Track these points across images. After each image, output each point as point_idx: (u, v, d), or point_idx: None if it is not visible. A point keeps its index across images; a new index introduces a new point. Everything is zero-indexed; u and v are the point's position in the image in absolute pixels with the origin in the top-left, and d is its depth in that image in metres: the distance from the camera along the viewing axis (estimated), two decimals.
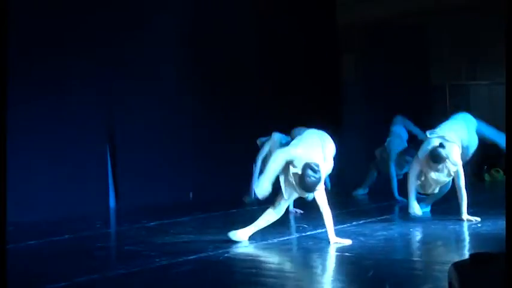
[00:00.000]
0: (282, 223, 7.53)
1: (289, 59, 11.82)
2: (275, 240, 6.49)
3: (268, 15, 11.67)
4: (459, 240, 6.40)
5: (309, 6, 12.47)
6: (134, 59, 9.72)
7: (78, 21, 9.07)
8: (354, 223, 7.36)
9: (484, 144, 12.03)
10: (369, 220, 7.53)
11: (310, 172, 6.00)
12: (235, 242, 6.33)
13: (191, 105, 10.36)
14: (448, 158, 7.38)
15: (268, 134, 11.09)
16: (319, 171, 6.03)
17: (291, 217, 8.04)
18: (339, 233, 6.75)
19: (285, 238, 6.63)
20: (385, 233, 6.89)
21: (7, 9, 4.20)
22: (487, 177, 12.50)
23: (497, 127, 13.85)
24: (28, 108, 8.41)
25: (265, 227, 7.20)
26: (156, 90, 9.91)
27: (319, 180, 6.07)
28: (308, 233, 6.87)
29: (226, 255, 5.83)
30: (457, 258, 3.51)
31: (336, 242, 6.23)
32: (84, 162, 9.10)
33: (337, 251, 6.04)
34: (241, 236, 6.50)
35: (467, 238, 6.59)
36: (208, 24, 10.65)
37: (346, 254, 5.93)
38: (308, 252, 5.93)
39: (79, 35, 9.07)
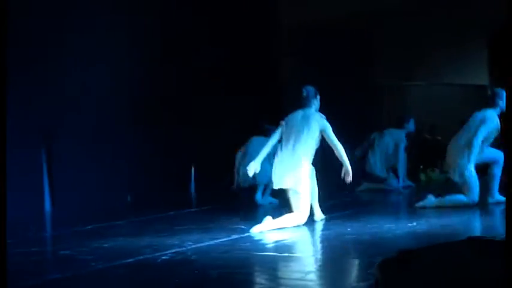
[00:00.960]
0: (220, 225, 7.56)
1: (230, 61, 11.81)
2: (213, 242, 6.48)
3: (209, 18, 11.65)
4: (393, 239, 6.47)
5: (251, 8, 12.48)
6: (70, 61, 9.60)
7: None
8: None
9: (420, 144, 12.29)
10: (307, 220, 7.55)
11: None
12: (173, 246, 6.30)
13: (127, 106, 10.28)
14: None
15: (204, 135, 11.12)
16: None
17: (229, 219, 8.03)
18: (276, 234, 6.81)
19: (223, 240, 6.61)
20: (321, 232, 6.97)
21: (7, 9, 4.16)
22: (422, 176, 12.71)
23: (433, 126, 14.14)
24: None
25: (202, 229, 7.23)
26: (91, 92, 9.80)
27: None
28: (246, 234, 6.87)
29: (163, 258, 5.79)
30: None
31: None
32: (18, 166, 8.92)
33: (274, 252, 6.07)
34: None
35: (401, 237, 6.66)
36: (147, 25, 10.58)
37: (285, 254, 5.96)
38: (246, 254, 5.93)
39: (13, 37, 8.91)
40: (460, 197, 8.43)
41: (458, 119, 13.85)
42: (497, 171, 8.52)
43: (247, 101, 11.72)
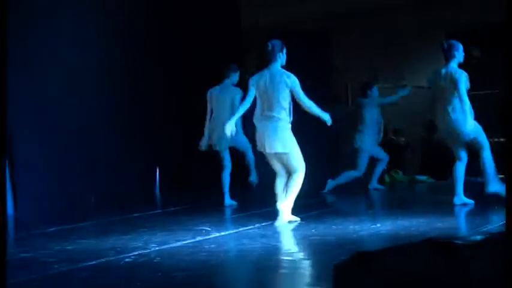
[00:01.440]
0: (185, 227, 7.52)
1: (193, 58, 11.76)
2: (178, 244, 6.44)
3: (173, 16, 11.61)
4: (357, 240, 6.49)
5: (213, 8, 12.46)
6: (33, 57, 9.48)
7: None
8: (256, 225, 7.39)
9: (383, 146, 12.33)
10: (271, 222, 7.56)
11: None
12: (136, 248, 6.24)
13: (90, 107, 10.17)
14: None
15: (169, 136, 11.03)
16: None
17: (194, 220, 8.00)
18: (241, 236, 6.80)
19: (188, 242, 6.57)
20: (286, 234, 6.97)
21: (7, 10, 4.14)
22: (386, 178, 12.78)
23: (396, 128, 14.20)
24: None
25: (167, 230, 7.19)
26: (52, 95, 9.67)
27: None
28: (211, 236, 6.85)
29: (127, 260, 5.74)
30: None
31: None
32: None
33: (238, 253, 6.05)
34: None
35: (365, 238, 6.68)
36: (111, 28, 10.49)
37: (249, 256, 5.94)
38: (211, 256, 5.90)
39: None
40: None
41: (421, 120, 14.03)
42: (463, 171, 8.62)
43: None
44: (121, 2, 10.65)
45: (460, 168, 8.63)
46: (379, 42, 15.77)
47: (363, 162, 11.07)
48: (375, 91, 11.32)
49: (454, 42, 8.68)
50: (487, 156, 8.48)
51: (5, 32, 4.21)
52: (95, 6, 10.30)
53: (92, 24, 10.25)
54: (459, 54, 8.58)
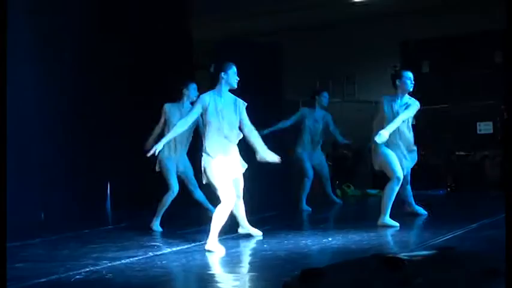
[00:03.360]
0: (136, 242, 7.47)
1: (144, 73, 11.72)
2: (129, 260, 6.40)
3: (123, 29, 11.57)
4: (308, 255, 6.52)
5: (164, 22, 12.45)
6: None
7: None
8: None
9: (334, 161, 12.43)
10: (224, 237, 7.56)
11: None
12: (87, 264, 6.19)
13: (40, 121, 10.04)
14: None
15: (120, 151, 10.94)
16: None
17: (146, 236, 7.96)
18: (193, 251, 6.78)
19: (139, 258, 6.54)
20: (238, 249, 6.97)
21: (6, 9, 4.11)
22: (338, 192, 12.87)
23: (348, 142, 14.34)
24: None
25: (118, 246, 7.14)
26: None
27: None
28: (163, 252, 6.82)
29: (78, 277, 5.69)
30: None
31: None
32: None
33: (190, 269, 6.03)
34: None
35: (317, 253, 6.71)
36: (57, 39, 10.41)
37: (201, 271, 5.93)
38: (163, 272, 5.88)
39: None
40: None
41: (370, 135, 14.14)
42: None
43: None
44: (66, 19, 10.56)
45: (393, 187, 8.47)
46: (330, 55, 15.94)
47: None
48: (322, 97, 11.00)
49: (402, 71, 8.72)
50: (394, 188, 8.30)
51: (5, 33, 4.18)
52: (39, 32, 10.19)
53: (40, 38, 10.16)
54: (403, 84, 8.55)
